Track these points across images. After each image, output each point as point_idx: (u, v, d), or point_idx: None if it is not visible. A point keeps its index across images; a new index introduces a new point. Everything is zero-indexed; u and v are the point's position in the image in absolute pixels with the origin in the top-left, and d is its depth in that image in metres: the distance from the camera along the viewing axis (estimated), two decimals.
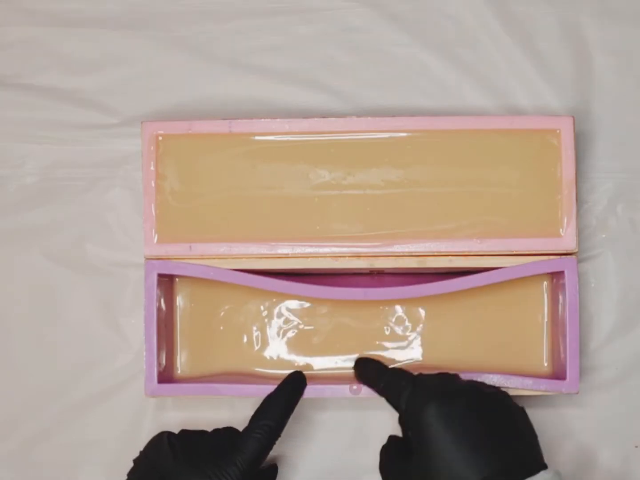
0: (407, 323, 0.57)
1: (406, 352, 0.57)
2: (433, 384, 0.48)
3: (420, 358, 0.57)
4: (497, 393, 0.48)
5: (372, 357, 0.56)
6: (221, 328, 0.57)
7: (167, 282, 0.56)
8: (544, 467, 0.45)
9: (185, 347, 0.57)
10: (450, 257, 0.53)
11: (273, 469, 0.56)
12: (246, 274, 0.53)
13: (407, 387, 0.48)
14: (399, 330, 0.57)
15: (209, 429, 0.52)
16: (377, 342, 0.57)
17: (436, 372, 0.50)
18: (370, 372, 0.53)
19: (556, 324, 0.55)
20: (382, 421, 0.57)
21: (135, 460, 0.51)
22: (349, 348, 0.57)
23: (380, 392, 0.51)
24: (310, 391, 0.53)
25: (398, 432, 0.50)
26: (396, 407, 0.49)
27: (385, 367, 0.53)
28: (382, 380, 0.51)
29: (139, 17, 0.61)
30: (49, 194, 0.60)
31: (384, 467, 0.50)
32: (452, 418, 0.45)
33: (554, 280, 0.56)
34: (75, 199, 0.60)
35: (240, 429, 0.51)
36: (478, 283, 0.52)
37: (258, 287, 0.53)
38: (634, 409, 0.58)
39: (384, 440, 0.51)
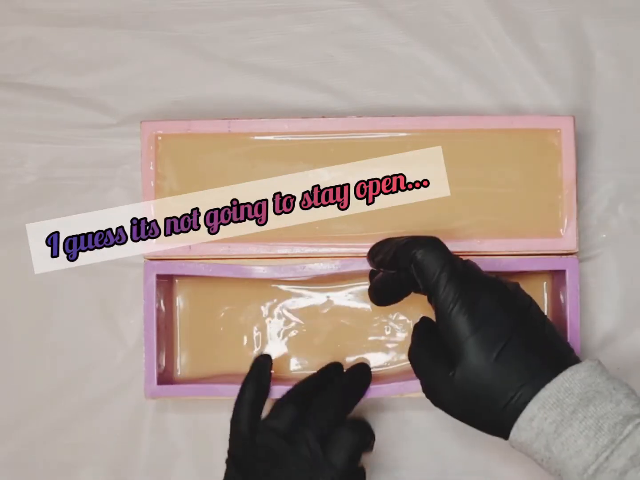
0: (407, 322, 0.57)
1: (406, 353, 0.57)
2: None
3: None
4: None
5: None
6: (221, 329, 0.57)
7: (166, 283, 0.56)
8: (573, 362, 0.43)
9: (185, 348, 0.57)
10: None
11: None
12: (241, 266, 0.53)
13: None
14: (399, 330, 0.57)
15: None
16: (378, 343, 0.57)
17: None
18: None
19: (557, 324, 0.55)
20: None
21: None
22: (349, 348, 0.57)
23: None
24: None
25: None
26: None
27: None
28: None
29: (138, 17, 0.60)
30: (47, 193, 0.59)
31: (412, 350, 0.47)
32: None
33: (555, 280, 0.56)
34: (74, 198, 0.59)
35: None
36: None
37: (249, 277, 0.53)
38: None
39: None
